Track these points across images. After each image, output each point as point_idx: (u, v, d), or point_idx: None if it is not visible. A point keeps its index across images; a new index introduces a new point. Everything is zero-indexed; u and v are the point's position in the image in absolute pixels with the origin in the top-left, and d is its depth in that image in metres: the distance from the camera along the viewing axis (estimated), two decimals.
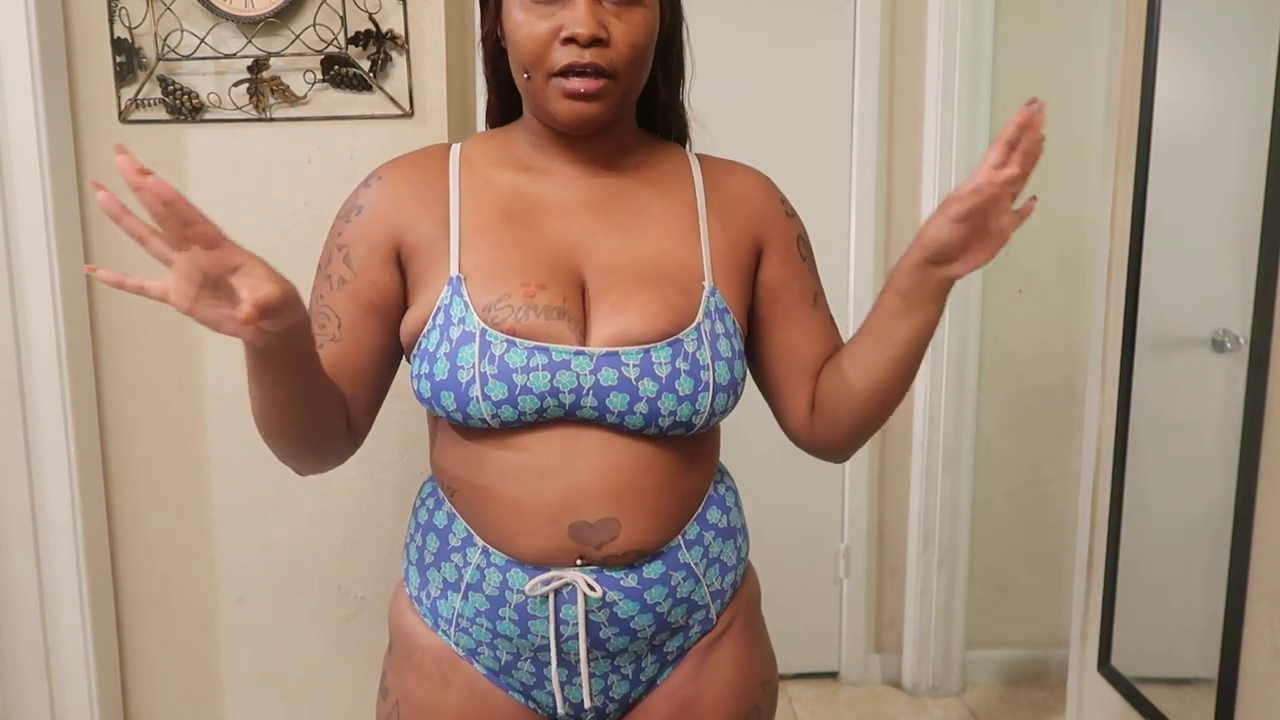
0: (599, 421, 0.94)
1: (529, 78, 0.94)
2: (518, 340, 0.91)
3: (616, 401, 0.92)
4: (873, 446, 2.52)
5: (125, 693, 1.60)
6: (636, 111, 1.06)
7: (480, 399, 0.91)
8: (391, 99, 1.42)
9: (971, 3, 2.31)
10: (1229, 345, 1.61)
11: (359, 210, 1.00)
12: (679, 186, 1.03)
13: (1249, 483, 1.51)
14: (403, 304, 0.99)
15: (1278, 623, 1.47)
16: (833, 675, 2.66)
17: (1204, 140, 1.73)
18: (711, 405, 0.95)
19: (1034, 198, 0.90)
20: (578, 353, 0.92)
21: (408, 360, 1.00)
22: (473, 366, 0.91)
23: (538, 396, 0.91)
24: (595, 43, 0.90)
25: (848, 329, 2.42)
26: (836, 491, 2.56)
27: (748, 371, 1.02)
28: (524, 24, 0.92)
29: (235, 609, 1.57)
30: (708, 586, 1.02)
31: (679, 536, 0.99)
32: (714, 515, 1.03)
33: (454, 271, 0.95)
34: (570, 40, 0.90)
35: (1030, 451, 2.57)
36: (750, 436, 2.57)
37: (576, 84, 0.91)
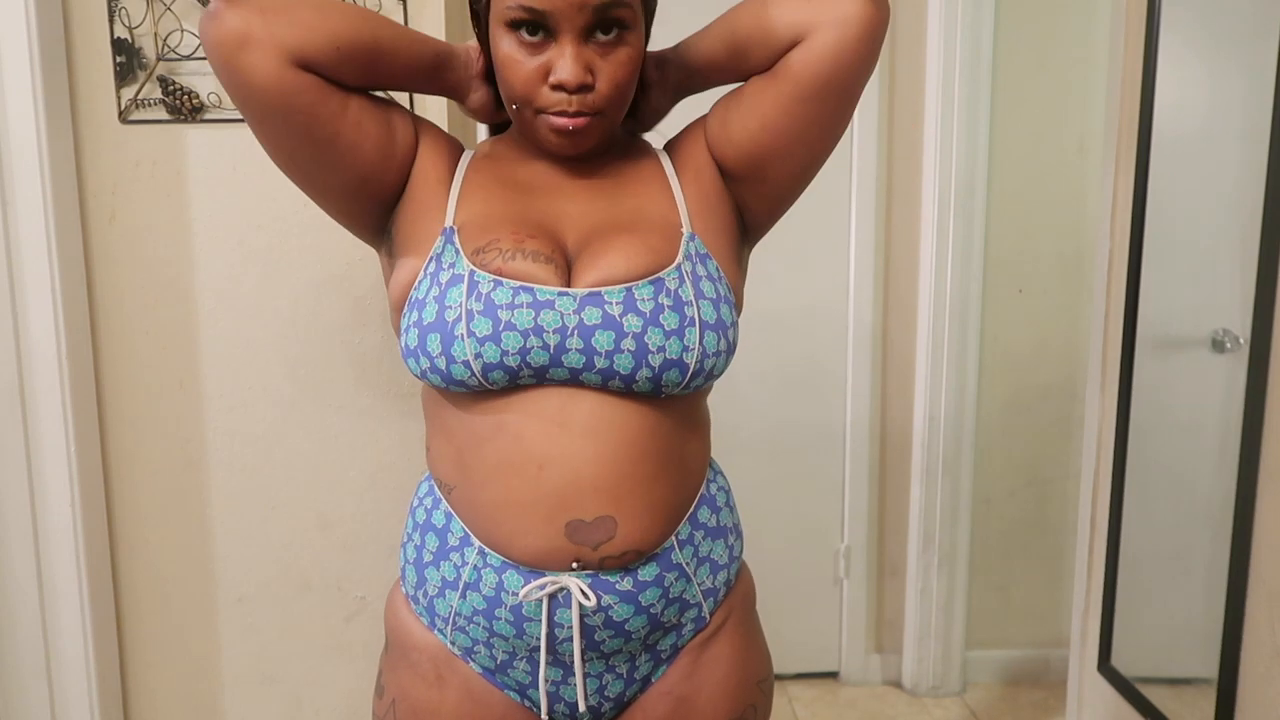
0: (589, 373, 0.93)
1: (517, 109, 0.99)
2: (504, 280, 0.93)
3: (602, 340, 0.92)
4: (873, 446, 2.52)
5: (125, 693, 1.60)
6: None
7: (465, 336, 0.92)
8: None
9: (971, 3, 2.31)
10: (1229, 345, 1.61)
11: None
12: (649, 161, 1.07)
13: (1249, 482, 1.51)
14: (387, 150, 0.99)
15: (1278, 623, 1.47)
16: (833, 675, 2.66)
17: (1204, 140, 1.73)
18: (701, 342, 0.94)
19: None
20: (561, 293, 0.93)
21: (396, 332, 1.01)
22: (459, 305, 0.92)
23: (521, 334, 0.92)
24: (581, 89, 0.94)
25: (847, 331, 2.42)
26: (836, 491, 2.56)
27: (737, 322, 1.01)
28: (512, 61, 0.96)
29: (235, 609, 1.57)
30: (699, 585, 1.02)
31: (672, 537, 0.99)
32: (704, 515, 1.03)
33: (449, 222, 0.98)
34: (558, 86, 0.94)
35: (1030, 451, 2.57)
36: (750, 437, 2.58)
37: (564, 122, 0.96)
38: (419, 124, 1.04)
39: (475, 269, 0.94)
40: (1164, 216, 1.78)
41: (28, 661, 1.53)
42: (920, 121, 2.39)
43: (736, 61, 0.99)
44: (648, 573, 0.98)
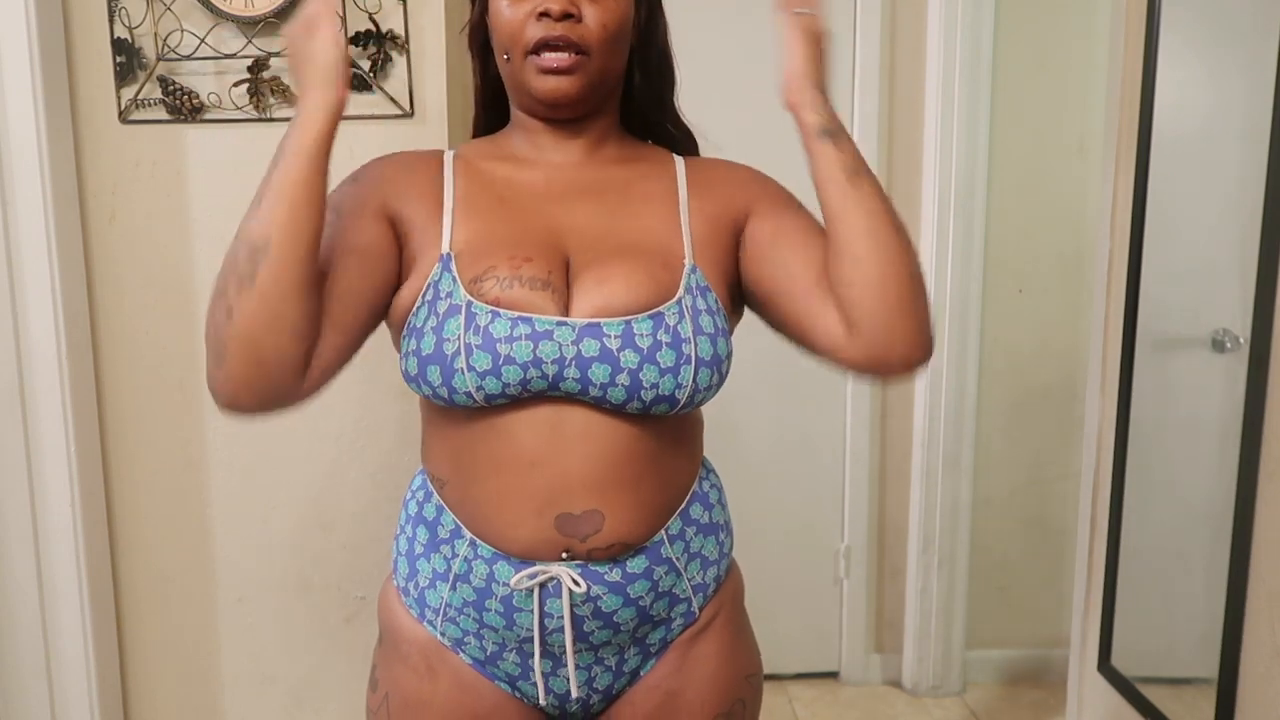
0: (582, 396, 0.94)
1: (509, 59, 1.00)
2: (502, 311, 0.93)
3: (598, 373, 0.93)
4: (873, 446, 2.52)
5: (125, 693, 1.60)
6: (633, 125, 1.10)
7: (465, 370, 0.92)
8: (391, 99, 1.42)
9: (971, 3, 2.31)
10: (1229, 345, 1.61)
11: (353, 180, 1.03)
12: (661, 173, 1.06)
13: (1249, 482, 1.51)
14: (387, 260, 0.98)
15: (1278, 623, 1.47)
16: (833, 675, 2.66)
17: (1204, 140, 1.72)
18: (694, 380, 0.95)
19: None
20: (560, 323, 0.93)
21: (396, 349, 1.01)
22: (458, 338, 0.92)
23: (521, 367, 0.92)
24: (566, 18, 0.96)
25: None
26: (836, 491, 2.56)
27: (732, 351, 1.00)
28: (504, 9, 0.99)
29: (235, 609, 1.57)
30: (689, 580, 1.02)
31: (662, 531, 1.00)
32: (696, 511, 1.03)
33: (445, 249, 0.97)
34: (544, 15, 0.96)
35: (1030, 451, 2.57)
36: (751, 436, 2.58)
37: (550, 60, 0.97)
38: (368, 195, 1.00)
39: (473, 299, 0.93)
40: (1164, 216, 1.78)
41: (28, 661, 1.53)
42: (920, 121, 2.39)
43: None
44: (636, 565, 0.98)
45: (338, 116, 0.94)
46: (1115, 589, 1.92)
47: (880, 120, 2.40)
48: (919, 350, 0.94)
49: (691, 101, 1.14)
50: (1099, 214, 1.97)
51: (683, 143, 1.12)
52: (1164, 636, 1.86)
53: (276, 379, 0.90)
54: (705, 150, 1.14)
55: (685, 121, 1.13)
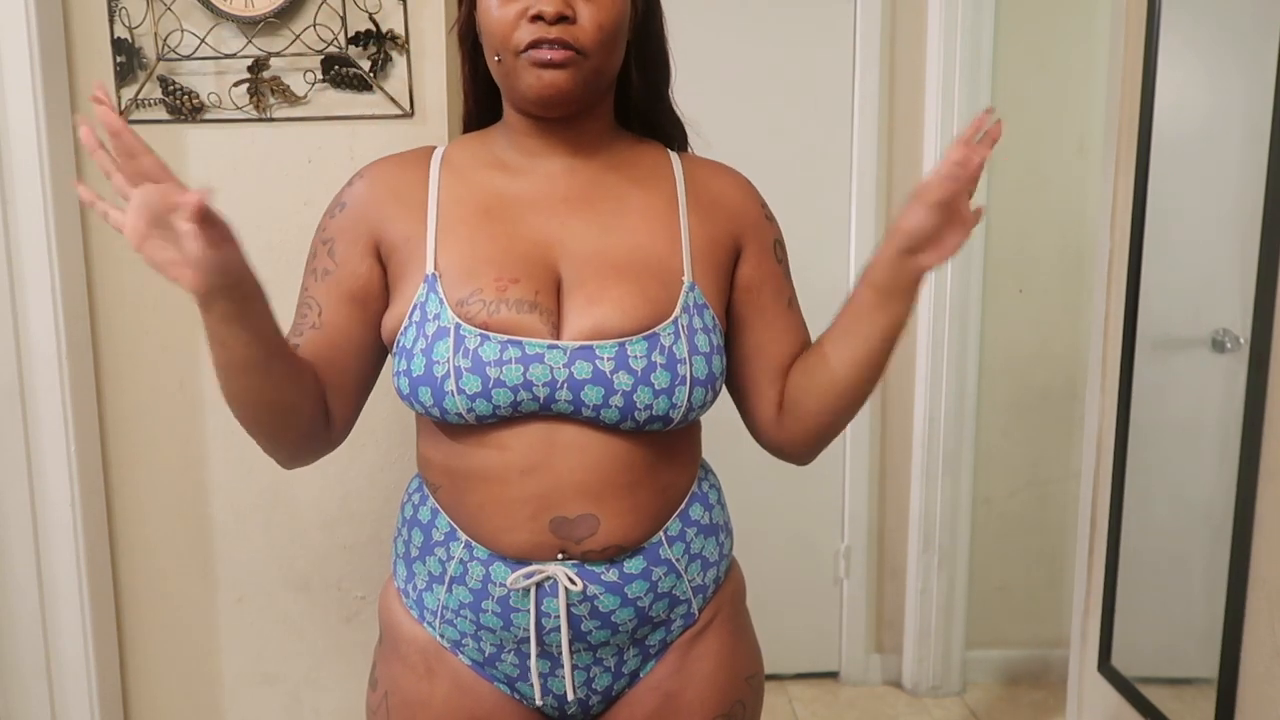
0: (575, 416, 0.94)
1: (500, 60, 0.96)
2: (491, 334, 0.92)
3: (591, 395, 0.92)
4: (873, 446, 2.53)
5: (125, 693, 1.60)
6: (625, 118, 1.08)
7: (455, 393, 0.92)
8: (391, 99, 1.42)
9: (971, 3, 2.31)
10: (1229, 345, 1.61)
11: (342, 207, 1.02)
12: (659, 181, 1.04)
13: (1249, 482, 1.51)
14: (384, 298, 1.01)
15: (1278, 623, 1.47)
16: (833, 675, 2.66)
17: (1204, 140, 1.73)
18: (689, 400, 0.95)
19: (980, 208, 0.94)
20: (551, 346, 0.92)
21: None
22: (447, 361, 0.92)
23: (511, 390, 0.92)
24: (561, 20, 0.92)
25: None
26: (836, 491, 2.56)
27: (726, 367, 1.02)
28: (494, 9, 0.94)
29: (235, 609, 1.57)
30: (689, 582, 1.02)
31: (660, 533, 1.00)
32: (696, 512, 1.03)
33: (430, 269, 0.96)
34: (537, 18, 0.92)
35: (1030, 451, 2.57)
36: (750, 436, 2.58)
37: (544, 53, 0.92)
38: (358, 230, 1.00)
39: (460, 322, 0.93)
40: (1164, 216, 1.78)
41: (28, 661, 1.53)
42: (920, 121, 2.39)
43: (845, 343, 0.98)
44: (634, 566, 0.98)
45: (227, 300, 0.85)
46: (1115, 589, 1.92)
47: (880, 120, 2.40)
48: (806, 460, 1.09)
49: (683, 93, 1.12)
50: (1099, 214, 1.97)
51: (675, 136, 1.11)
52: (1164, 636, 1.86)
53: (308, 450, 1.02)
54: (696, 144, 1.13)
55: (679, 114, 1.11)
